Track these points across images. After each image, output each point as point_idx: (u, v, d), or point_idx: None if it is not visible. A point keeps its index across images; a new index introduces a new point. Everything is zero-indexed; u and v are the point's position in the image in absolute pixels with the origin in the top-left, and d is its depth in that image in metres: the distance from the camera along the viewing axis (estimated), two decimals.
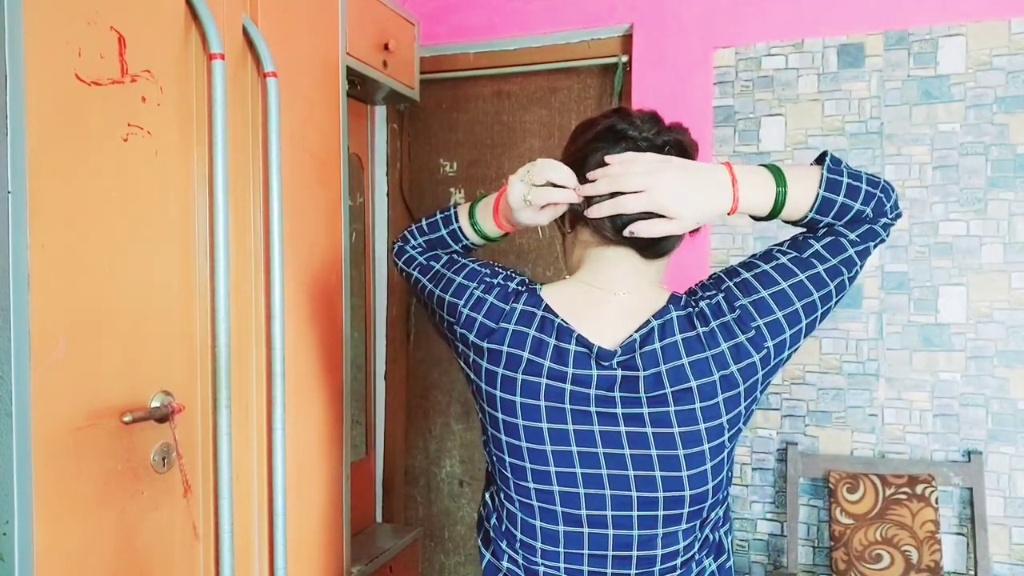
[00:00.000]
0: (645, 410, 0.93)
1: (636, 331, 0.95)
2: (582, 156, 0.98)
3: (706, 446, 0.93)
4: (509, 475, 0.99)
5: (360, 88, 2.13)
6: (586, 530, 0.96)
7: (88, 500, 1.06)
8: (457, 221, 1.11)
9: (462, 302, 1.02)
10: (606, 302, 0.99)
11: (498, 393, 0.98)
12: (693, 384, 0.92)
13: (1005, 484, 1.93)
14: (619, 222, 0.94)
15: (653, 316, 0.95)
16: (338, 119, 1.64)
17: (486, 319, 1.00)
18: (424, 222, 1.14)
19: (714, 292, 0.96)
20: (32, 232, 0.97)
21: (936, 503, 1.90)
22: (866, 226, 0.94)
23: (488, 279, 1.03)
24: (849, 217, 0.94)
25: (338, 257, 1.64)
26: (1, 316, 0.94)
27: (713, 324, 0.93)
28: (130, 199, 1.12)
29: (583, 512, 0.96)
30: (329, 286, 1.61)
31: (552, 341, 0.96)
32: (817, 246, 0.94)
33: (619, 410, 0.94)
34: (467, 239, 1.11)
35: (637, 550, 0.96)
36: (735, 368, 0.92)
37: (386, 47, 2.05)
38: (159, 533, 1.18)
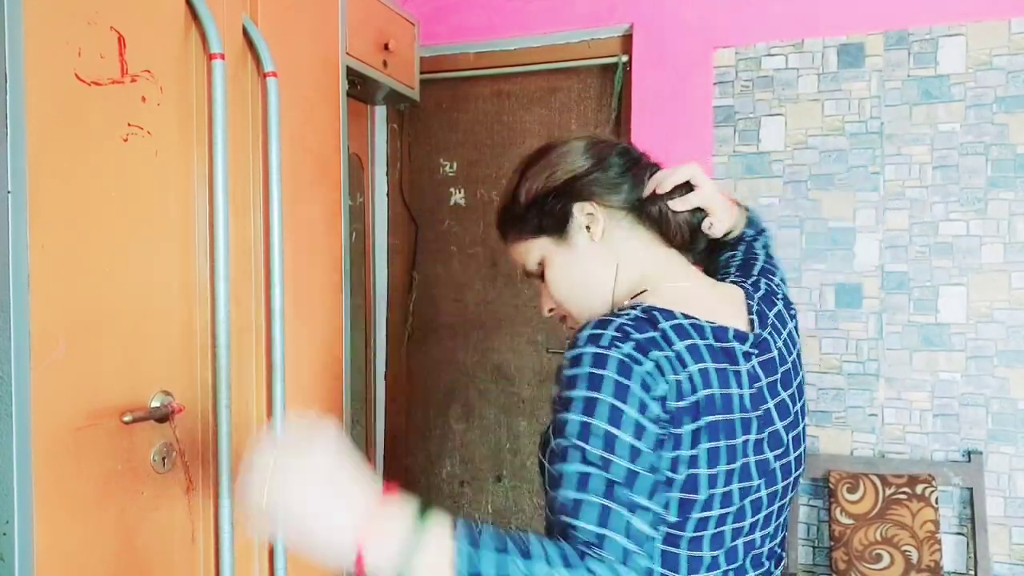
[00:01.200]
0: (784, 394, 0.87)
1: (750, 314, 0.89)
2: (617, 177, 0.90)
3: (804, 421, 0.92)
4: (690, 554, 0.79)
5: (360, 88, 2.13)
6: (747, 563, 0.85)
7: (88, 500, 1.06)
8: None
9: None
10: (711, 293, 0.90)
11: (703, 472, 0.77)
12: (795, 357, 0.92)
13: (1005, 484, 1.93)
14: (695, 220, 0.91)
15: (746, 298, 0.92)
16: (338, 119, 1.64)
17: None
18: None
19: (756, 277, 0.97)
20: (32, 232, 0.96)
21: (936, 503, 1.90)
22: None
23: (627, 387, 0.74)
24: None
25: (338, 257, 1.64)
26: (1, 316, 0.94)
27: (779, 304, 0.94)
28: (130, 199, 1.12)
29: (745, 538, 0.84)
30: (329, 286, 1.61)
31: (730, 366, 0.82)
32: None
33: (769, 404, 0.85)
34: None
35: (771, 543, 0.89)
36: (800, 345, 0.95)
37: (386, 47, 2.05)
38: (159, 533, 1.18)
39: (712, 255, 1.07)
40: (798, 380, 0.91)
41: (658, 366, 0.75)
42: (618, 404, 0.71)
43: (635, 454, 0.71)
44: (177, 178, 1.21)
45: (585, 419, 0.71)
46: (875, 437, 2.03)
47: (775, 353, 0.87)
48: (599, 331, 0.76)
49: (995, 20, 1.93)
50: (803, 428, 0.91)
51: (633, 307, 0.82)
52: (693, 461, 0.75)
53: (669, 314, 0.81)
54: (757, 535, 0.85)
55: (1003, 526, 1.93)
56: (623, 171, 0.90)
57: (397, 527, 0.67)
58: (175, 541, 1.22)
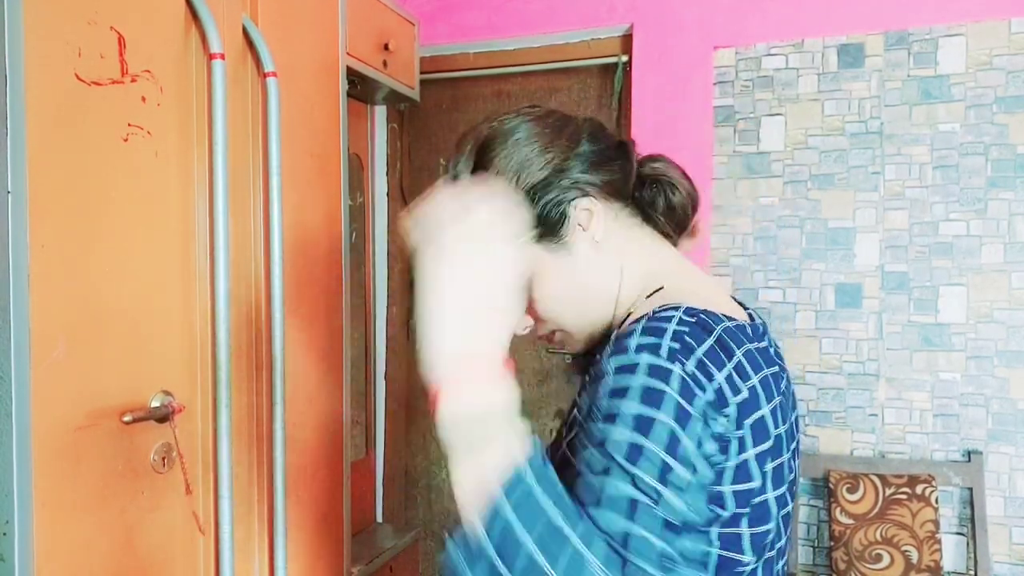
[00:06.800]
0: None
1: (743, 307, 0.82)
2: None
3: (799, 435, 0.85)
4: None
5: (360, 88, 2.13)
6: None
7: (88, 500, 1.06)
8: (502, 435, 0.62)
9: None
10: (718, 290, 0.80)
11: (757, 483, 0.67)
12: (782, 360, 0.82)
13: (1005, 484, 1.93)
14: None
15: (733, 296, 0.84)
16: (338, 119, 1.64)
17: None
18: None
19: None
20: (32, 232, 0.96)
21: (936, 503, 1.90)
22: None
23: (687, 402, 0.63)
24: None
25: (338, 257, 1.64)
26: (1, 316, 0.94)
27: None
28: (130, 199, 1.12)
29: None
30: (329, 286, 1.61)
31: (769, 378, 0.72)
32: None
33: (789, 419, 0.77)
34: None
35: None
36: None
37: (386, 47, 2.05)
38: (159, 533, 1.18)
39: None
40: (791, 386, 0.81)
41: (721, 392, 0.63)
42: (678, 431, 0.60)
43: (687, 491, 0.61)
44: (177, 178, 1.21)
45: (637, 439, 0.60)
46: (875, 437, 2.03)
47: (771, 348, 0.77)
48: (653, 340, 0.63)
49: (995, 20, 1.93)
50: (797, 443, 0.81)
51: (665, 309, 0.68)
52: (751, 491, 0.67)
53: (713, 316, 0.69)
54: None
55: (1003, 526, 1.93)
56: (616, 151, 0.77)
57: (499, 399, 0.61)
58: (175, 541, 1.22)
